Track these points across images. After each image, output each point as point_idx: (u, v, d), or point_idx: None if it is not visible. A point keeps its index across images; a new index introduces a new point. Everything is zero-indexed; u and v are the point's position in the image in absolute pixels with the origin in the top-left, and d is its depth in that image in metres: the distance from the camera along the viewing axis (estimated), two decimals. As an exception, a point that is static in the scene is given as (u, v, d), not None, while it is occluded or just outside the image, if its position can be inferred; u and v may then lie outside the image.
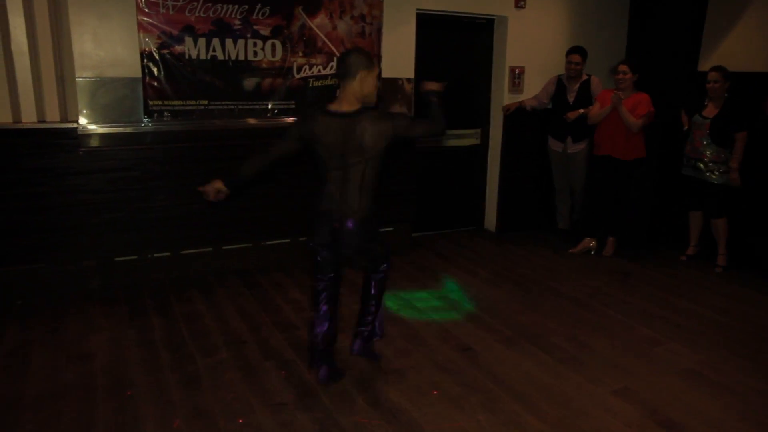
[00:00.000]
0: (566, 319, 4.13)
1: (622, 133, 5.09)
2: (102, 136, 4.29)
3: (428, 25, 5.42)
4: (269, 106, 4.75)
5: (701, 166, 5.04)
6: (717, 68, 4.92)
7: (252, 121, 4.72)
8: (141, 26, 4.21)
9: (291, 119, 4.81)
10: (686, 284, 4.81)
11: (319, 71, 4.87)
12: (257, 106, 4.71)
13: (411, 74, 5.31)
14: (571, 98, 5.60)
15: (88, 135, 4.24)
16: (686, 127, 5.17)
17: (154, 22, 4.24)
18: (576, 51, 5.52)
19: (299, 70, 4.79)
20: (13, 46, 3.97)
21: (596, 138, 5.33)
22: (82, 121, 4.22)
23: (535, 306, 4.34)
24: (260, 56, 4.63)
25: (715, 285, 4.81)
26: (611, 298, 4.49)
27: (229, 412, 2.94)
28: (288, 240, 5.06)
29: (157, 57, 4.30)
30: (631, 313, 4.22)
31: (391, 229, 5.44)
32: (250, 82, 4.64)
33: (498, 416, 2.95)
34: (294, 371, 3.33)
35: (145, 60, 4.28)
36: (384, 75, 5.15)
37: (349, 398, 3.09)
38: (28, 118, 4.11)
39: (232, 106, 4.63)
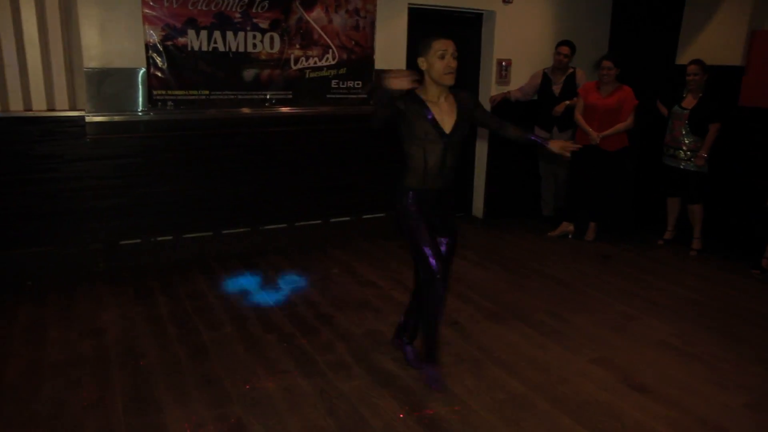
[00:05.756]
0: (550, 297, 4.39)
1: (606, 127, 5.33)
2: (108, 124, 4.48)
3: (419, 19, 5.64)
4: (267, 96, 4.96)
5: (680, 154, 5.31)
6: (696, 61, 5.18)
7: (251, 110, 4.93)
8: (146, 19, 4.40)
9: (287, 108, 5.03)
10: (663, 266, 5.09)
11: (315, 63, 5.08)
12: (256, 96, 4.91)
13: (403, 66, 5.52)
14: (556, 90, 5.85)
15: (95, 123, 4.43)
16: (666, 115, 5.43)
17: (159, 15, 4.43)
18: (566, 43, 5.75)
19: (296, 61, 5.00)
20: (25, 38, 4.17)
21: (580, 133, 5.55)
22: (89, 109, 4.41)
23: (520, 286, 4.60)
24: (259, 48, 4.83)
25: (689, 267, 5.10)
26: (592, 279, 4.76)
27: (236, 378, 3.17)
28: (285, 225, 5.29)
29: (161, 48, 4.49)
30: (610, 292, 4.50)
31: (383, 215, 5.68)
32: (249, 73, 4.85)
33: (483, 381, 3.20)
34: (294, 343, 3.57)
35: (150, 51, 4.47)
36: (377, 67, 5.37)
37: (346, 367, 3.33)
38: (39, 106, 4.31)
39: (232, 96, 4.84)
